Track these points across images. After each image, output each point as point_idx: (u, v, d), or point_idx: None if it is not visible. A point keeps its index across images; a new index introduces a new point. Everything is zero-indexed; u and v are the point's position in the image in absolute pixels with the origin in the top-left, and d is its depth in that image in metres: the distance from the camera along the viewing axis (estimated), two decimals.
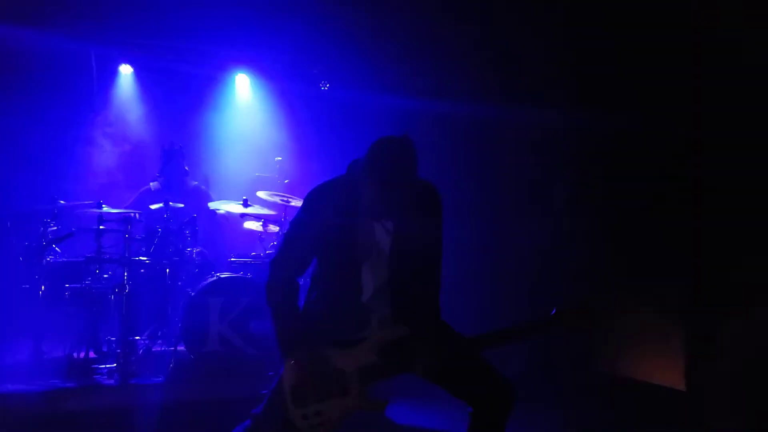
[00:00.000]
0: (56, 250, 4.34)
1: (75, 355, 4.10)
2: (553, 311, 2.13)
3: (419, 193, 2.25)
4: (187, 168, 5.22)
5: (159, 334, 4.49)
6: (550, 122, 5.04)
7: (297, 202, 4.78)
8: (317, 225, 2.21)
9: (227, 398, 3.65)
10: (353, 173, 2.23)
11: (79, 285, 4.18)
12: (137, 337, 4.28)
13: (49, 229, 4.21)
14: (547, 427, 4.03)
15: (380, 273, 2.22)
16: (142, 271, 4.42)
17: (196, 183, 5.37)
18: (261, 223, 4.82)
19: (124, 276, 4.15)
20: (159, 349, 4.42)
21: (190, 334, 4.07)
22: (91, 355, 4.16)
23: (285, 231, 2.32)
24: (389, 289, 2.23)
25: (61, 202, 4.32)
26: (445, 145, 5.35)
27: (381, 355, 2.14)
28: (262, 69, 6.17)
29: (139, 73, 6.02)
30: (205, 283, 4.22)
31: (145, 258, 4.39)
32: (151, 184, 5.19)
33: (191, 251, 4.59)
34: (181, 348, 4.18)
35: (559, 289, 4.97)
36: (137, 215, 4.44)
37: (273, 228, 4.86)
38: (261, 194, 4.84)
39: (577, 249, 4.99)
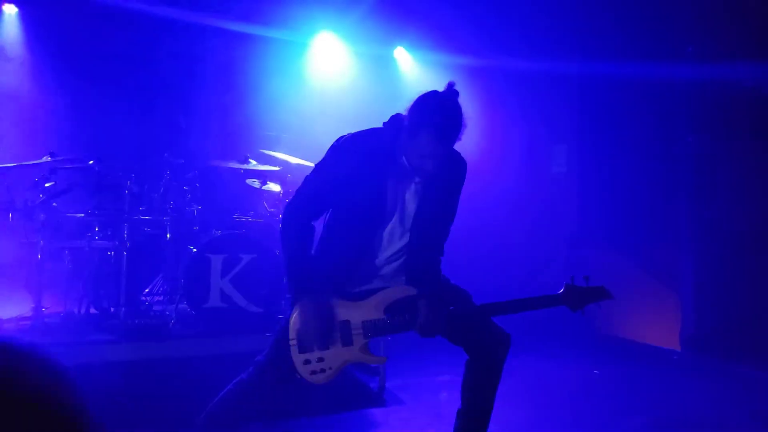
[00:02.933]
0: (53, 206, 4.29)
1: (76, 311, 4.10)
2: (562, 289, 2.21)
3: (451, 160, 2.23)
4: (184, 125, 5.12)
5: (160, 291, 4.48)
6: None
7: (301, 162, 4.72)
8: (344, 176, 2.18)
9: (228, 353, 3.67)
10: (392, 128, 2.18)
11: (78, 241, 4.15)
12: (139, 295, 4.28)
13: (46, 184, 4.15)
14: (539, 373, 4.12)
15: (399, 235, 2.23)
16: (145, 229, 4.39)
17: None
18: (260, 181, 4.77)
19: (124, 233, 4.12)
20: (160, 306, 4.42)
21: (191, 291, 4.06)
22: (92, 311, 4.16)
23: (308, 174, 2.26)
24: (406, 251, 2.24)
25: (47, 158, 4.21)
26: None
27: (388, 311, 2.17)
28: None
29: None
30: (207, 239, 4.19)
31: (146, 216, 4.35)
32: None
33: (192, 208, 4.54)
34: (182, 305, 4.18)
35: None
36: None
37: (274, 187, 4.80)
38: (267, 152, 4.78)
39: None
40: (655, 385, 4.18)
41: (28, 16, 5.32)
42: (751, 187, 4.63)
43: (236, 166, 4.68)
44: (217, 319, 4.03)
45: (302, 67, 5.94)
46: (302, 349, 2.13)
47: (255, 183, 4.82)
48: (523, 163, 6.31)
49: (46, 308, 4.07)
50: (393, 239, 2.23)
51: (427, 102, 2.07)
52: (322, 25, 5.93)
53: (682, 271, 5.05)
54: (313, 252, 2.24)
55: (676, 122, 5.08)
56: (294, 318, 2.15)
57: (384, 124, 2.23)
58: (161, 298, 4.47)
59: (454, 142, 2.11)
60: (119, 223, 4.17)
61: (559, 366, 4.61)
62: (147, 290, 4.53)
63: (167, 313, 4.25)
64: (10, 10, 5.31)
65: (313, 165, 2.29)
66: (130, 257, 4.10)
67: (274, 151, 4.90)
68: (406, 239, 2.23)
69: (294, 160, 4.76)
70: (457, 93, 2.09)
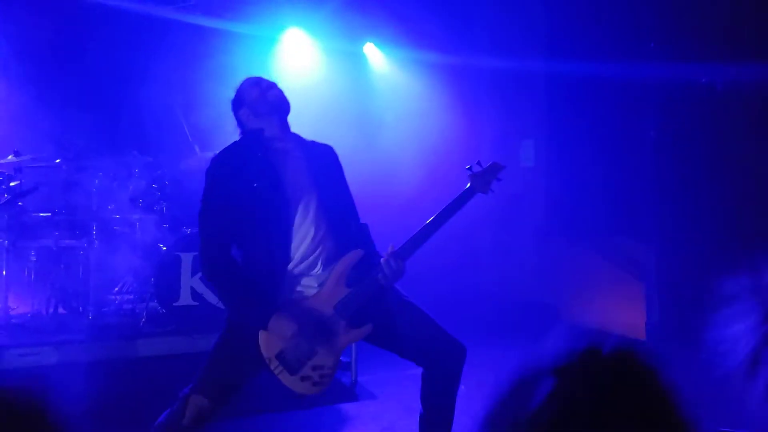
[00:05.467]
0: (19, 205, 4.23)
1: (44, 311, 4.06)
2: (468, 183, 2.30)
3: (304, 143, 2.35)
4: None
5: (130, 289, 4.45)
6: None
7: None
8: (229, 192, 2.15)
9: (200, 352, 3.67)
10: (248, 134, 2.29)
11: (45, 240, 4.10)
12: (109, 294, 4.25)
13: (11, 183, 4.09)
14: (502, 364, 4.16)
15: (310, 221, 2.18)
16: (114, 227, 4.36)
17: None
18: None
19: (93, 232, 4.08)
20: (130, 305, 4.40)
21: (162, 289, 4.05)
22: (61, 311, 4.12)
23: (199, 213, 2.18)
24: (323, 233, 2.19)
25: (11, 158, 4.14)
26: None
27: (349, 283, 2.14)
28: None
29: None
30: (177, 237, 4.18)
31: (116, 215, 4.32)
32: None
33: (161, 206, 4.52)
34: (153, 303, 4.16)
35: None
36: None
37: None
38: None
39: None
40: None
41: None
42: (714, 179, 4.77)
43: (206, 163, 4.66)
44: (189, 317, 4.03)
45: (271, 63, 5.92)
46: (293, 370, 2.06)
47: None
48: (492, 157, 6.38)
49: (13, 308, 4.03)
50: (306, 225, 2.18)
51: (250, 88, 2.30)
52: (291, 21, 5.92)
53: (647, 262, 5.20)
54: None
55: (640, 117, 5.21)
56: (267, 345, 2.04)
57: (240, 135, 2.33)
58: (131, 296, 4.45)
59: (280, 92, 2.27)
60: (88, 221, 4.14)
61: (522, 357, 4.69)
62: (116, 289, 4.50)
63: (137, 311, 4.24)
64: None
65: None
66: (98, 256, 4.07)
67: None
68: (314, 227, 2.18)
69: None
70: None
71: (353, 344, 3.83)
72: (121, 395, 3.26)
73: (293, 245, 2.15)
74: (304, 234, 2.16)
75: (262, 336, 2.05)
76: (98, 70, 5.31)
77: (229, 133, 2.28)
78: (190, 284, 4.07)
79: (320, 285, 2.16)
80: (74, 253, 4.14)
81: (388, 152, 5.88)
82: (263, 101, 2.24)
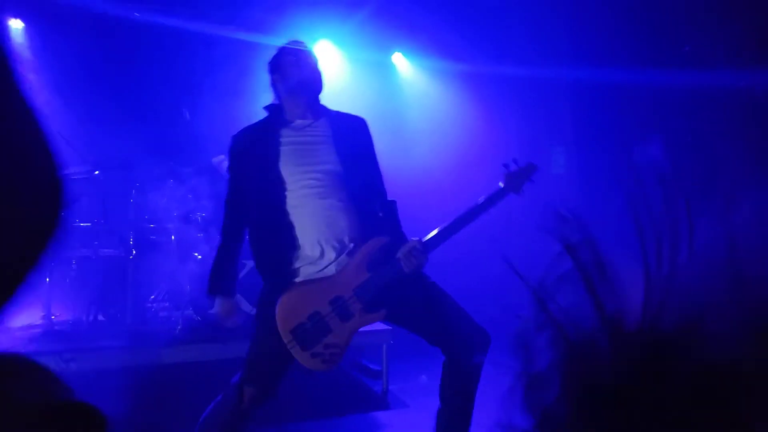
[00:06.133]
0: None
1: (84, 318, 4.17)
2: (502, 182, 2.29)
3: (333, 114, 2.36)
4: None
5: (166, 297, 4.54)
6: None
7: None
8: (244, 163, 2.25)
9: (234, 358, 3.72)
10: (270, 107, 2.33)
11: (86, 250, 4.22)
12: (145, 302, 4.35)
13: None
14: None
15: (331, 199, 2.18)
16: (150, 236, 4.46)
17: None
18: None
19: (130, 241, 4.19)
20: (166, 312, 4.49)
21: (197, 298, 4.12)
22: (100, 318, 4.23)
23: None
24: (345, 211, 2.19)
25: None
26: None
27: (370, 268, 2.17)
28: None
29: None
30: (211, 246, 4.25)
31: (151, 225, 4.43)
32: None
33: (196, 215, 4.60)
34: (188, 311, 4.24)
35: None
36: None
37: None
38: None
39: None
40: None
41: (33, 30, 5.40)
42: (752, 186, 4.66)
43: None
44: (223, 325, 4.08)
45: None
46: (305, 346, 2.12)
47: None
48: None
49: (55, 316, 4.15)
50: (320, 209, 2.18)
51: (279, 51, 2.33)
52: (321, 33, 6.02)
53: None
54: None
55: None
56: (284, 319, 2.11)
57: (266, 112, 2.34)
58: (167, 304, 4.54)
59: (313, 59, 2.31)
60: (125, 231, 4.25)
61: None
62: (153, 297, 4.60)
63: (173, 319, 4.32)
64: (17, 24, 5.40)
65: None
66: (135, 265, 4.17)
67: None
68: (334, 205, 2.18)
69: None
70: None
71: (384, 353, 3.84)
72: (159, 400, 3.33)
73: (309, 223, 2.15)
74: (322, 213, 2.16)
75: (279, 309, 2.12)
76: (135, 83, 5.47)
77: None
78: None
79: (339, 266, 2.16)
80: (113, 263, 4.25)
81: (419, 159, 5.91)
82: (295, 76, 2.25)
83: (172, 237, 4.46)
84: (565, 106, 6.14)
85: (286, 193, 2.16)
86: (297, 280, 2.16)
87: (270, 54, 2.36)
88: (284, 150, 2.20)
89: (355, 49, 6.13)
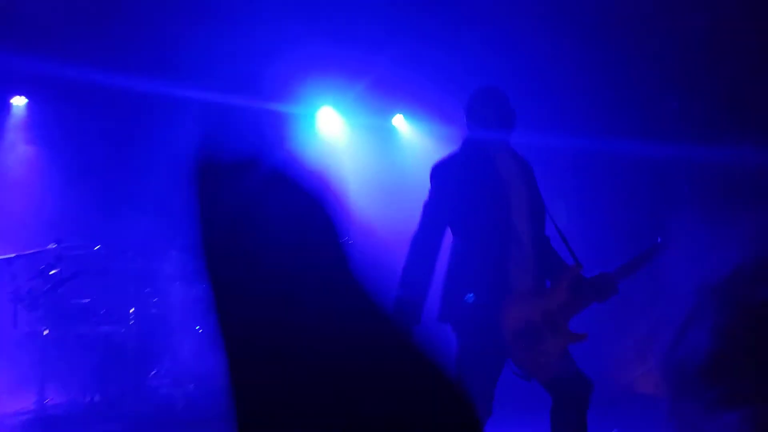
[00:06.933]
0: (58, 293, 4.25)
1: (81, 399, 3.99)
2: (659, 239, 2.50)
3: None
4: None
5: (167, 373, 4.37)
6: None
7: None
8: (449, 193, 2.42)
9: None
10: (468, 140, 2.54)
11: (84, 327, 4.09)
12: (146, 378, 4.18)
13: (51, 272, 4.12)
14: None
15: (523, 223, 2.42)
16: (151, 310, 4.34)
17: None
18: None
19: (130, 316, 4.07)
20: (167, 390, 4.30)
21: (199, 373, 3.96)
22: (97, 399, 4.04)
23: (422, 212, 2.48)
24: (531, 235, 2.43)
25: (53, 245, 4.18)
26: None
27: (573, 292, 2.36)
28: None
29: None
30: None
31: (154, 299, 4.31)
32: None
33: (198, 287, 4.49)
34: (190, 386, 4.07)
35: None
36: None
37: None
38: None
39: None
40: None
41: (36, 107, 5.44)
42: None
43: None
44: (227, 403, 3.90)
45: (309, 137, 6.18)
46: (523, 348, 2.27)
47: None
48: None
49: (49, 399, 3.97)
50: (517, 229, 2.40)
51: (489, 96, 2.60)
52: (324, 101, 6.18)
53: None
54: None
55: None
56: (510, 322, 2.28)
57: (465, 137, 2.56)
58: (167, 380, 4.36)
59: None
60: (125, 305, 4.13)
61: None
62: (153, 372, 4.42)
63: (174, 396, 4.13)
64: (20, 101, 5.46)
65: None
66: (136, 340, 4.03)
67: None
68: (525, 229, 2.41)
69: None
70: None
71: None
72: None
73: (510, 240, 2.38)
74: (518, 233, 2.40)
75: (508, 313, 2.30)
76: (135, 157, 5.42)
77: None
78: None
79: (537, 282, 2.41)
80: (111, 339, 4.11)
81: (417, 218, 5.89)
82: (493, 115, 2.51)
83: (175, 309, 4.32)
84: (566, 168, 6.14)
85: (501, 212, 2.42)
86: (504, 287, 2.35)
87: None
88: (493, 175, 2.48)
89: (356, 115, 6.27)
